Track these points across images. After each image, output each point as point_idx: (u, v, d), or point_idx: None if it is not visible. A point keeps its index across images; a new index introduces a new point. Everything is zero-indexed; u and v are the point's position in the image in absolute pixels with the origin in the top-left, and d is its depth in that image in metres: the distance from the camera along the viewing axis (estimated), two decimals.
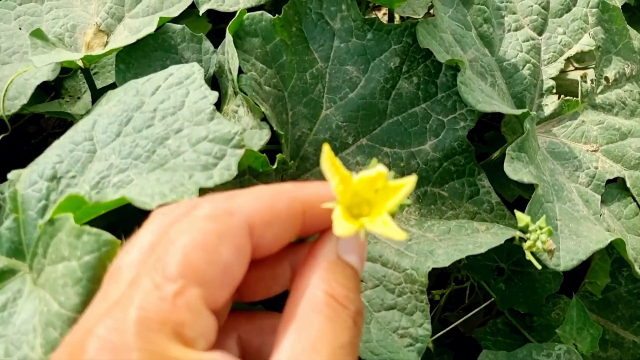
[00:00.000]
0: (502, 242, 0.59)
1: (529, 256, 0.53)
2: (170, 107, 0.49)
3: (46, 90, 0.75)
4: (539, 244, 0.49)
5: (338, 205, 0.29)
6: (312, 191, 0.31)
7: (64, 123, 0.88)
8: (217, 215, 0.28)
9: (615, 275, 0.79)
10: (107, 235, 0.36)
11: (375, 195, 0.30)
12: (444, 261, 0.56)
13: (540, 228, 0.50)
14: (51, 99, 0.73)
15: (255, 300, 0.32)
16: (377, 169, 0.29)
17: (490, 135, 0.91)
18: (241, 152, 0.47)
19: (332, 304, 0.28)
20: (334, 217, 0.28)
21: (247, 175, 0.59)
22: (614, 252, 0.77)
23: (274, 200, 0.29)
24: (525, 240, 0.56)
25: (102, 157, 0.47)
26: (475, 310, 0.85)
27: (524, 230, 0.53)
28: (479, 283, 0.85)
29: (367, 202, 0.30)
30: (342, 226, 0.28)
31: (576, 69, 0.83)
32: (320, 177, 0.68)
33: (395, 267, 0.57)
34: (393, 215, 0.30)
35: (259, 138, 0.59)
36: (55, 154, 0.48)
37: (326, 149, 0.29)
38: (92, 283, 0.34)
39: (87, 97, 0.72)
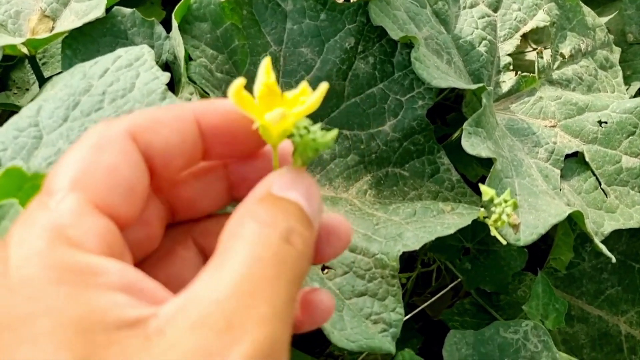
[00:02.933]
0: (469, 222, 0.58)
1: (494, 232, 0.52)
2: (119, 89, 0.47)
3: None
4: (504, 217, 0.48)
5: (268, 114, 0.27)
6: (206, 101, 0.29)
7: None
8: (95, 130, 0.27)
9: (579, 251, 0.80)
10: None
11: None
12: (413, 244, 0.56)
13: (505, 201, 0.49)
14: None
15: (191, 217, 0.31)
16: (301, 85, 0.28)
17: (452, 116, 0.91)
18: None
19: (254, 227, 0.25)
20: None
21: None
22: (576, 228, 0.77)
23: (156, 110, 0.29)
24: (489, 217, 0.55)
25: (49, 142, 0.46)
26: (442, 292, 0.84)
27: (488, 204, 0.52)
28: (446, 265, 0.84)
29: None
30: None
31: (534, 49, 0.82)
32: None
33: (364, 252, 0.56)
34: (312, 150, 0.28)
35: None
36: None
37: (267, 59, 0.28)
38: None
39: (35, 88, 0.69)
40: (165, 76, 0.49)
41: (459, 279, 0.82)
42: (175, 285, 0.27)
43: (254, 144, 0.30)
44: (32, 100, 0.65)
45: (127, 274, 0.24)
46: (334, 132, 0.28)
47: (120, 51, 0.50)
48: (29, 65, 0.72)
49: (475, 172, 0.83)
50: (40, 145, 0.46)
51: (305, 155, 0.28)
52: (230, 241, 0.25)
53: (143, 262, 0.29)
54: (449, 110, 0.94)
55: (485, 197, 0.50)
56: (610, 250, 0.82)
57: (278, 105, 0.28)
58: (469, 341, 0.67)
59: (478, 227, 0.79)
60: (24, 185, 0.39)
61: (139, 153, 0.27)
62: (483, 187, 0.51)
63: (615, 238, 0.78)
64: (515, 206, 0.48)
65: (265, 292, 0.23)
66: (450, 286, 0.84)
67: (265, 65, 0.28)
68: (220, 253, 0.24)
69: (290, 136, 0.28)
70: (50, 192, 0.25)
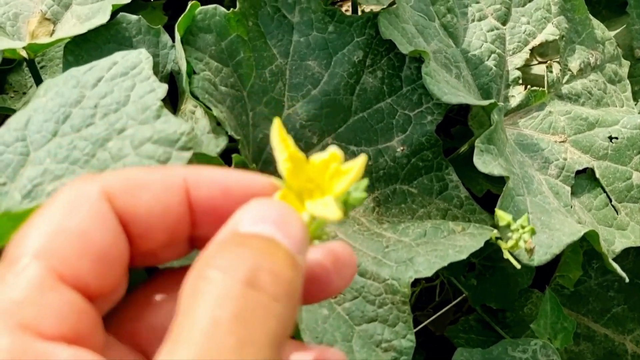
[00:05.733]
0: (482, 244, 0.56)
1: (507, 255, 0.50)
2: (113, 102, 0.43)
3: None
4: (521, 243, 0.46)
5: (284, 186, 0.25)
6: (202, 170, 0.25)
7: None
8: (66, 190, 0.24)
9: (585, 268, 0.78)
10: None
11: (330, 182, 0.25)
12: (425, 270, 0.53)
13: (522, 227, 0.47)
14: None
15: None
16: (330, 150, 0.25)
17: (457, 129, 0.89)
18: (188, 154, 0.41)
19: (214, 278, 0.21)
20: (276, 197, 0.24)
21: None
22: (584, 245, 0.75)
23: (139, 171, 0.25)
24: (501, 239, 0.53)
25: (36, 160, 0.42)
26: (446, 308, 0.82)
27: (504, 229, 0.50)
28: (450, 280, 0.83)
29: (321, 190, 0.25)
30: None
31: (539, 62, 0.81)
32: None
33: (375, 277, 0.54)
34: (348, 206, 0.25)
35: (215, 145, 0.55)
36: None
37: (277, 122, 0.25)
38: None
39: (33, 92, 0.67)
40: (162, 89, 0.44)
41: (463, 295, 0.80)
42: (159, 337, 0.23)
43: None
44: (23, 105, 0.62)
45: None
46: (364, 183, 0.25)
47: (116, 56, 0.45)
48: (26, 68, 0.69)
49: (481, 187, 0.81)
50: (27, 162, 0.42)
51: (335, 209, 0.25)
52: (188, 301, 0.20)
53: (124, 311, 0.25)
54: (453, 123, 0.92)
55: (501, 223, 0.48)
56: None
57: (306, 172, 0.25)
58: None
59: (485, 243, 0.77)
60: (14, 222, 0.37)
61: (115, 217, 0.23)
62: (499, 213, 0.49)
63: (622, 256, 0.76)
64: (533, 232, 0.47)
65: None
66: (454, 302, 0.82)
67: (279, 133, 0.25)
68: (177, 319, 0.20)
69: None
70: (11, 262, 0.22)
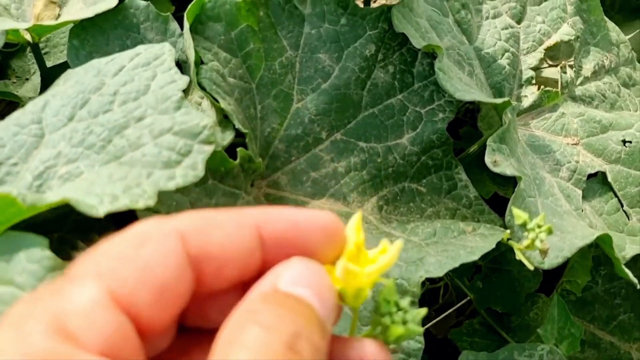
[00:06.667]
0: (494, 245, 0.55)
1: (519, 256, 0.49)
2: (133, 90, 0.43)
3: None
4: (537, 243, 0.45)
5: (339, 264, 0.26)
6: (271, 208, 0.27)
7: (16, 107, 0.81)
8: (142, 224, 0.25)
9: (592, 275, 0.77)
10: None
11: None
12: (436, 271, 0.53)
13: (539, 226, 0.46)
14: None
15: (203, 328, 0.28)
16: (381, 244, 0.27)
17: (465, 130, 0.88)
18: (210, 149, 0.42)
19: (256, 333, 0.22)
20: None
21: (210, 180, 0.52)
22: (592, 250, 0.74)
23: (213, 212, 0.26)
24: (513, 239, 0.52)
25: (50, 143, 0.42)
26: (450, 310, 0.81)
27: (520, 228, 0.49)
28: (454, 283, 0.82)
29: None
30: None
31: (550, 65, 0.80)
32: (291, 175, 0.62)
33: (384, 276, 0.53)
34: (402, 338, 0.26)
35: (221, 138, 0.55)
36: None
37: (359, 214, 0.27)
38: None
39: (36, 78, 0.66)
40: (183, 80, 0.45)
41: (467, 298, 0.79)
42: None
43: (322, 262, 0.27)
44: (33, 92, 0.61)
45: None
46: (423, 312, 0.26)
47: (139, 48, 0.46)
48: (30, 54, 0.68)
49: (488, 189, 0.80)
50: (41, 145, 0.42)
51: (389, 338, 0.26)
52: (225, 348, 0.22)
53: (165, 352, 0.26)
54: (461, 124, 0.91)
55: (517, 221, 0.47)
56: (622, 277, 0.79)
57: (359, 260, 0.27)
58: None
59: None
60: (14, 208, 0.36)
61: (184, 256, 0.24)
62: (516, 211, 0.48)
63: (629, 263, 0.76)
64: (550, 232, 0.46)
65: None
66: (458, 305, 0.81)
67: (357, 222, 0.27)
68: None
69: (382, 315, 0.27)
70: (72, 277, 0.23)
